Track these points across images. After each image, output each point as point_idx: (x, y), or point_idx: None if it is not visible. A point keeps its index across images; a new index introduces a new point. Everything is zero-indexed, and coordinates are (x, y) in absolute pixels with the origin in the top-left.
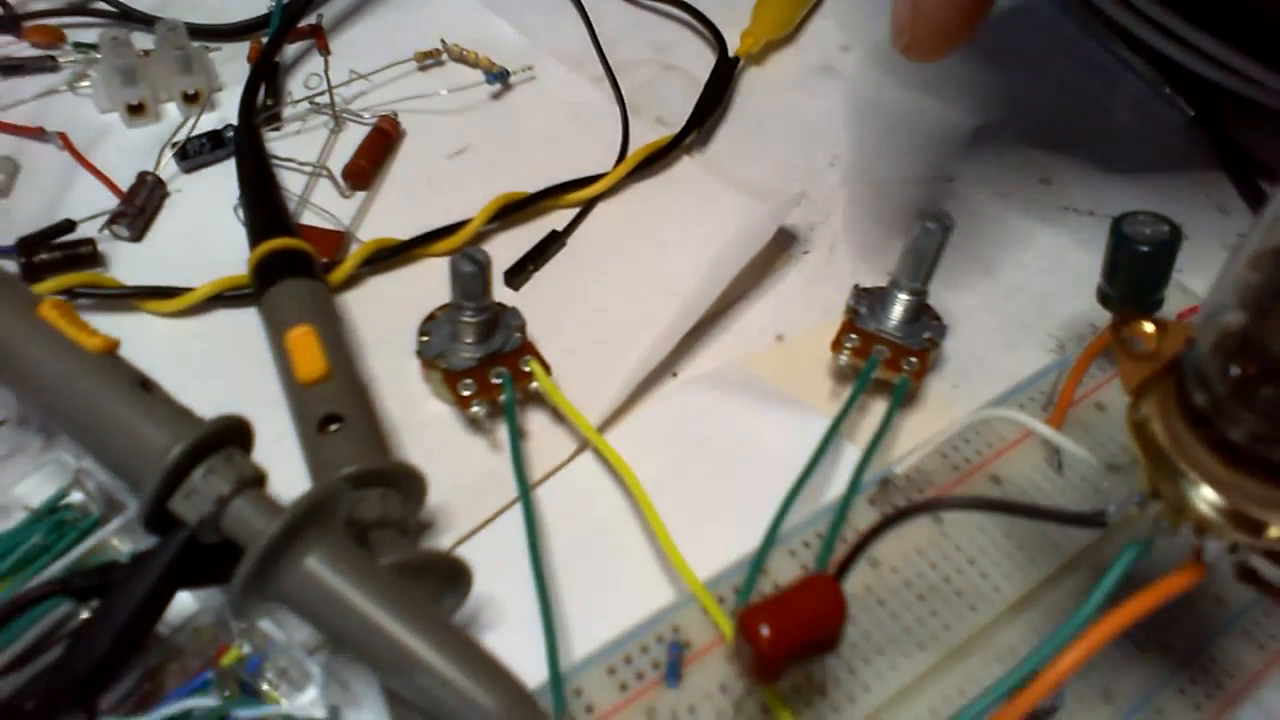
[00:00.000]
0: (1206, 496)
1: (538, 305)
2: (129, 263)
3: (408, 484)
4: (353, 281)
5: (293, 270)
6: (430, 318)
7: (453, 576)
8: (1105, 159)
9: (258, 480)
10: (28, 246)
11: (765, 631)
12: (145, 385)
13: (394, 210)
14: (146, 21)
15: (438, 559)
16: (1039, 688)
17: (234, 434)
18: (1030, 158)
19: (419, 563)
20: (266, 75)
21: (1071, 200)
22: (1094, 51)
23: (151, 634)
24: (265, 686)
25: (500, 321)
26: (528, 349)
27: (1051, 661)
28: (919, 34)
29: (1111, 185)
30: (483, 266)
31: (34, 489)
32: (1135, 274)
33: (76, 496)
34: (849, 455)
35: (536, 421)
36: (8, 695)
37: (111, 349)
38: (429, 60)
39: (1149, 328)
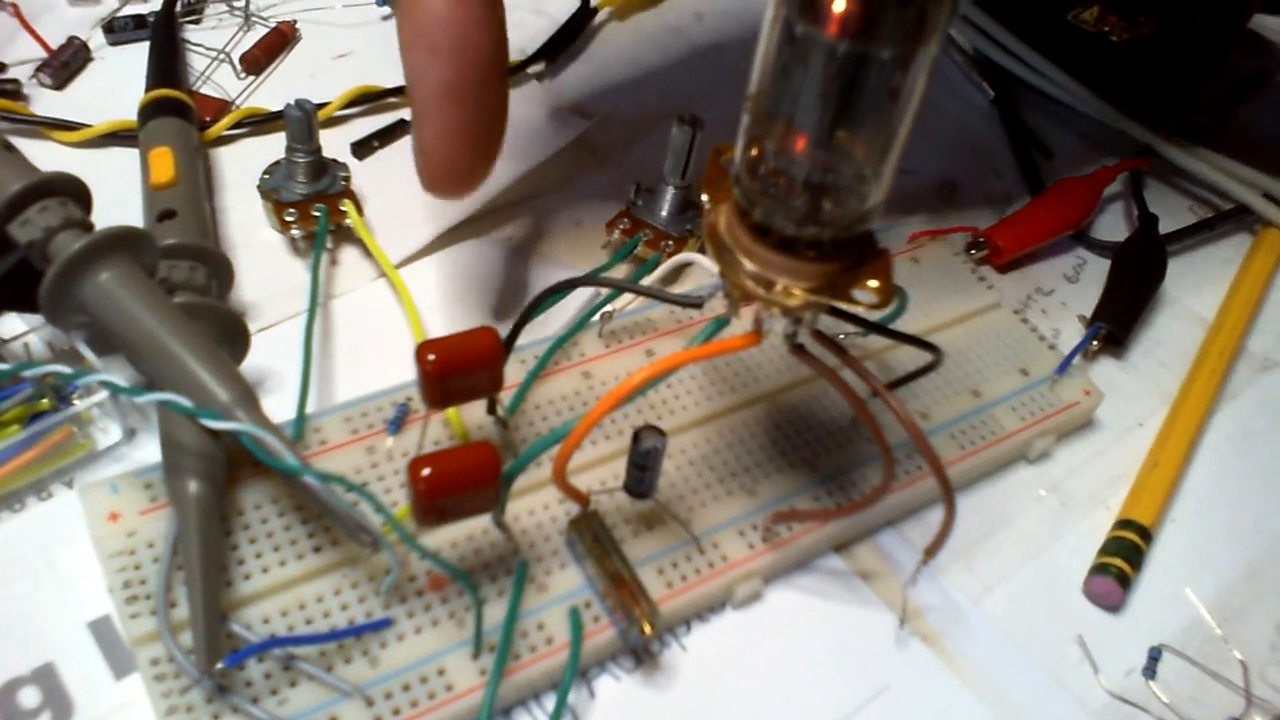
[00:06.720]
0: (744, 267)
1: (376, 173)
2: (48, 105)
3: (213, 262)
4: (229, 140)
5: (170, 112)
6: (276, 163)
7: (233, 330)
8: (917, 127)
9: (85, 226)
10: None
11: (426, 472)
12: (8, 147)
13: (277, 93)
14: None
15: (219, 309)
16: (600, 406)
17: (73, 190)
18: None
19: (201, 307)
20: None
21: None
22: None
23: None
24: (76, 402)
25: (329, 169)
26: (348, 193)
27: (618, 386)
28: (432, 182)
29: (922, 148)
30: (308, 114)
31: None
32: None
33: None
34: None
35: (349, 253)
36: None
37: None
38: None
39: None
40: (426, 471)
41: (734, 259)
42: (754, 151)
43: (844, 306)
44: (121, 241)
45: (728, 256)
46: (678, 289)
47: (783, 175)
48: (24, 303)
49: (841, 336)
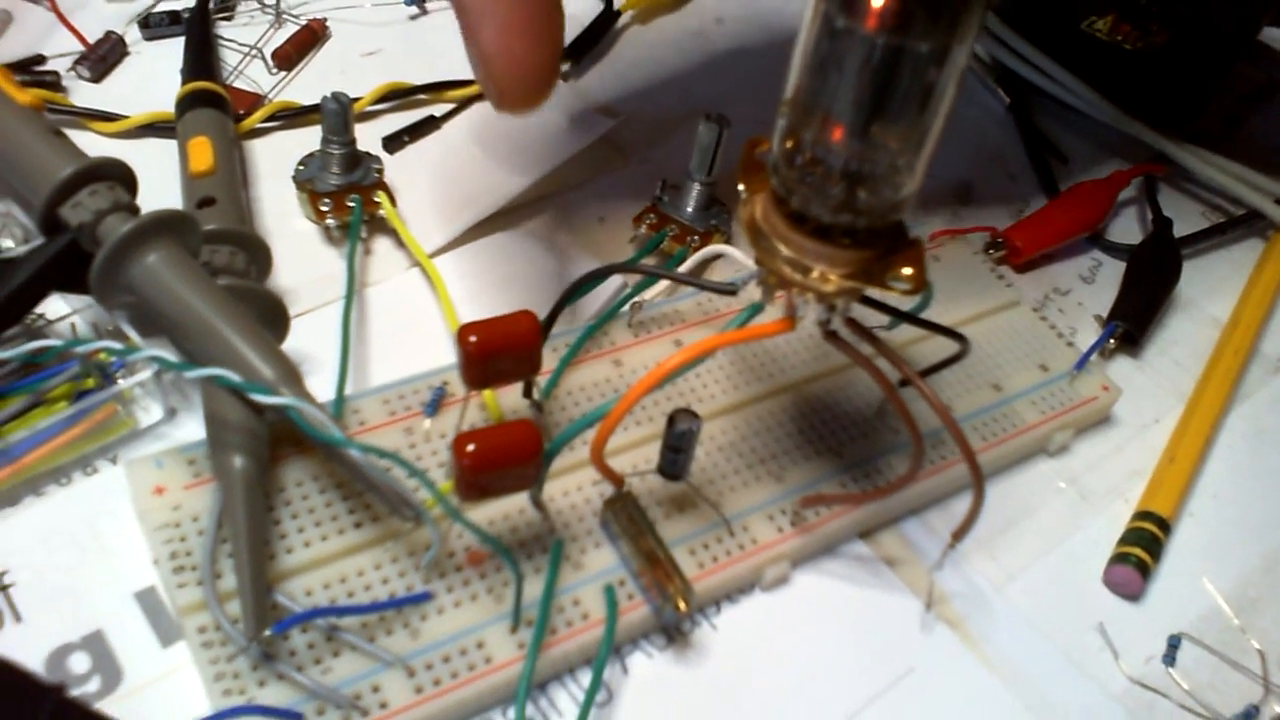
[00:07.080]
0: (781, 253)
1: (407, 166)
2: (86, 97)
3: (253, 248)
4: (262, 133)
5: (207, 104)
6: (310, 155)
7: (273, 313)
8: None
9: (132, 210)
10: (3, 69)
11: (471, 447)
12: (58, 133)
13: (308, 89)
14: None
15: (260, 292)
16: (639, 387)
17: (121, 175)
18: None
19: (243, 289)
20: None
21: None
22: None
23: (34, 305)
24: (120, 381)
25: (363, 161)
26: (381, 185)
27: (656, 367)
28: (502, 89)
29: (940, 152)
30: (345, 106)
31: None
32: None
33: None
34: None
35: (382, 243)
36: None
37: (38, 105)
38: None
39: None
40: (471, 447)
41: (771, 245)
42: (790, 143)
43: (877, 294)
44: (168, 225)
45: (765, 243)
46: None
47: (820, 164)
48: (73, 284)
49: None
